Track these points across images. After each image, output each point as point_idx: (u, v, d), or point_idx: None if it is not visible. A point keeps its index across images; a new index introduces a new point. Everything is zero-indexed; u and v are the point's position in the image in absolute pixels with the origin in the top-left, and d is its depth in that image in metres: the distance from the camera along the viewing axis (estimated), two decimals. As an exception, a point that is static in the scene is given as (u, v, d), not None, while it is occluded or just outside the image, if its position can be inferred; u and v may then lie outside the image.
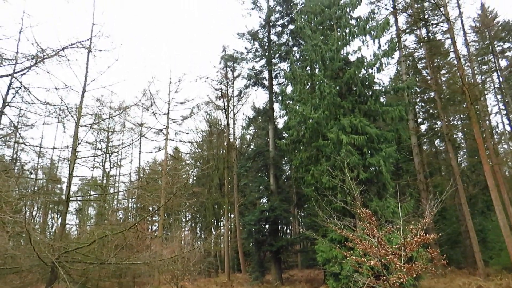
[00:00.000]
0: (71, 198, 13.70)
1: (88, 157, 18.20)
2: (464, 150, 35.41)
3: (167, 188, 21.25)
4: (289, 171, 33.88)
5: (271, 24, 29.80)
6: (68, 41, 13.33)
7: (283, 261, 29.24)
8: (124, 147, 34.86)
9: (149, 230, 31.16)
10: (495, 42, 32.03)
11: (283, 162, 31.61)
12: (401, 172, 27.93)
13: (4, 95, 13.76)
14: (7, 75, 12.90)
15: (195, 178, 40.33)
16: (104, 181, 33.44)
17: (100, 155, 31.67)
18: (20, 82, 12.99)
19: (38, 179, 29.56)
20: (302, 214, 39.10)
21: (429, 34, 27.65)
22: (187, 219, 45.27)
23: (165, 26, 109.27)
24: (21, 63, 12.91)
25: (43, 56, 12.65)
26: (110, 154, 32.21)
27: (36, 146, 20.97)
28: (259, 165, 29.47)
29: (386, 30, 20.35)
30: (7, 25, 12.57)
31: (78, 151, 12.95)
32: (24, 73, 12.59)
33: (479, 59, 32.52)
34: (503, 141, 35.33)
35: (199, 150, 41.02)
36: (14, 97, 14.17)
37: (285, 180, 33.55)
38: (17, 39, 13.26)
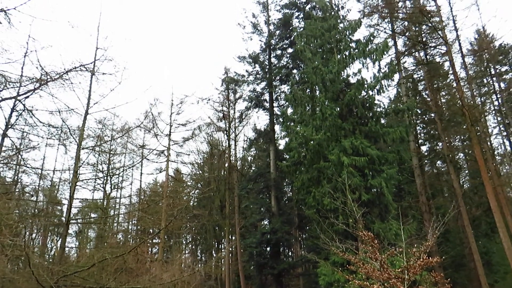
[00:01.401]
0: (71, 221, 13.64)
1: (89, 179, 18.20)
2: (466, 172, 35.27)
3: (168, 210, 21.14)
4: (290, 193, 33.73)
5: (271, 47, 30.29)
6: (72, 64, 13.55)
7: (285, 284, 28.75)
8: (126, 169, 34.83)
9: (149, 253, 30.82)
10: (493, 65, 32.35)
11: (284, 184, 31.51)
12: (403, 194, 27.78)
13: (7, 118, 13.90)
14: (11, 98, 13.06)
15: (196, 200, 40.13)
16: (105, 203, 33.27)
17: (101, 177, 31.63)
18: (24, 105, 13.14)
19: (39, 201, 29.44)
20: (303, 236, 38.69)
21: (428, 56, 27.99)
22: (188, 241, 44.79)
23: (168, 49, 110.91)
24: (25, 86, 13.09)
25: (47, 79, 12.84)
26: (111, 176, 32.16)
27: (38, 168, 21.02)
28: (260, 186, 29.36)
29: (385, 53, 20.68)
30: (12, 49, 12.78)
31: (79, 174, 12.98)
32: (28, 96, 12.74)
33: (477, 81, 32.80)
34: (505, 163, 35.24)
35: (200, 171, 40.95)
36: (17, 119, 14.31)
37: (287, 202, 33.37)
38: (21, 62, 13.48)
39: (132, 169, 37.51)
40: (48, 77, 12.80)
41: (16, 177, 26.77)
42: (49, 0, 12.79)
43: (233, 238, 35.53)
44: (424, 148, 31.81)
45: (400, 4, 26.82)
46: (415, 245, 9.41)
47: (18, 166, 21.93)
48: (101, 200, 33.86)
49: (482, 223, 29.04)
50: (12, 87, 12.86)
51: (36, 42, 13.06)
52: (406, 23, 27.27)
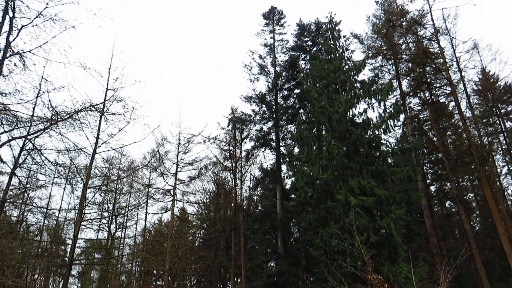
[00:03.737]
0: (74, 261, 13.43)
1: (94, 219, 18.08)
2: (477, 212, 34.53)
3: (173, 251, 20.77)
4: (297, 233, 33.12)
5: (278, 87, 30.89)
6: (83, 104, 13.88)
7: (292, 330, 27.59)
8: (131, 209, 34.63)
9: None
10: (499, 105, 32.47)
11: (291, 224, 31.03)
12: (413, 235, 27.14)
13: (16, 157, 14.07)
14: (21, 137, 13.28)
15: (201, 240, 39.46)
16: (109, 244, 32.82)
17: (106, 217, 31.42)
18: (33, 144, 13.33)
19: (43, 241, 29.16)
20: (311, 279, 37.55)
21: (433, 97, 28.24)
22: (192, 283, 43.62)
23: (176, 87, 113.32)
24: (35, 125, 13.34)
25: (57, 119, 13.10)
26: (116, 215, 31.93)
27: (43, 207, 20.97)
28: (266, 226, 28.91)
29: (390, 93, 20.95)
30: (25, 90, 13.20)
31: (84, 213, 12.92)
32: (38, 136, 12.95)
33: (484, 121, 32.83)
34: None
35: (206, 211, 40.54)
36: (26, 158, 14.48)
37: (293, 243, 32.67)
38: (33, 103, 13.82)
39: (138, 209, 37.28)
40: (58, 117, 13.07)
41: (21, 216, 26.72)
42: (63, 43, 13.30)
43: (239, 280, 34.57)
44: (432, 188, 31.40)
45: (403, 46, 27.45)
46: (427, 290, 9.09)
47: (24, 205, 21.95)
48: (105, 240, 33.45)
49: (496, 266, 28.04)
50: (22, 127, 13.12)
51: (49, 83, 13.48)
52: (410, 64, 27.76)
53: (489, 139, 33.16)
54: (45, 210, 24.64)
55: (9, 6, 12.59)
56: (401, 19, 24.17)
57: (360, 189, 17.37)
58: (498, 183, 31.37)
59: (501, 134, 32.29)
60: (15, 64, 12.89)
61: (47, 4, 12.81)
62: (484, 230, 31.28)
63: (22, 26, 12.79)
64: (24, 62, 12.94)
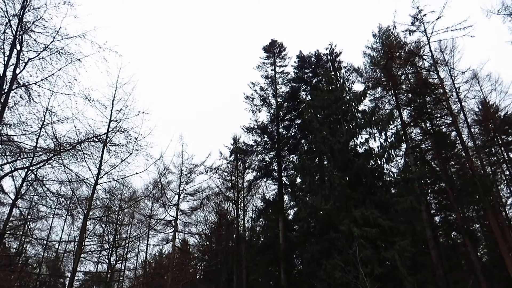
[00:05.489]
0: (72, 295, 13.16)
1: (94, 251, 17.83)
2: (484, 243, 33.88)
3: (173, 284, 20.34)
4: (300, 265, 32.49)
5: (279, 118, 31.17)
6: (86, 135, 14.00)
7: None
8: (132, 240, 34.17)
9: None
10: (500, 135, 32.46)
11: (294, 256, 30.50)
12: (418, 267, 26.52)
13: (18, 187, 14.05)
14: (23, 168, 13.32)
15: (202, 273, 38.68)
16: (108, 276, 32.14)
17: (106, 249, 30.94)
18: (35, 175, 13.35)
19: (41, 273, 28.64)
20: (315, 313, 36.45)
21: (434, 127, 28.33)
22: (193, 318, 42.35)
23: (179, 114, 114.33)
24: (38, 156, 13.41)
25: (60, 150, 13.18)
26: (117, 247, 31.46)
27: (43, 239, 20.74)
28: (269, 258, 28.40)
29: (391, 123, 21.09)
30: (29, 121, 13.37)
31: (84, 245, 12.76)
32: (40, 167, 12.99)
33: (486, 150, 32.74)
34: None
35: (207, 242, 39.94)
36: (28, 189, 14.45)
37: (297, 275, 31.96)
38: (37, 134, 13.95)
39: (139, 240, 36.75)
40: (61, 147, 13.16)
41: (21, 247, 26.37)
42: (68, 75, 13.57)
43: (241, 315, 33.63)
44: (437, 219, 30.95)
45: (403, 77, 27.82)
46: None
47: (24, 237, 21.70)
48: (105, 273, 32.79)
49: (506, 299, 27.26)
50: (25, 157, 13.19)
51: (53, 115, 13.64)
52: (410, 94, 28.03)
53: (492, 168, 32.98)
54: (45, 241, 24.34)
55: (17, 40, 12.94)
56: (400, 51, 24.65)
57: (363, 219, 17.15)
58: (504, 213, 30.95)
59: (504, 164, 32.15)
60: (21, 96, 13.12)
61: (54, 38, 13.18)
62: (491, 262, 30.58)
63: (29, 59, 13.11)
64: (29, 94, 13.17)
